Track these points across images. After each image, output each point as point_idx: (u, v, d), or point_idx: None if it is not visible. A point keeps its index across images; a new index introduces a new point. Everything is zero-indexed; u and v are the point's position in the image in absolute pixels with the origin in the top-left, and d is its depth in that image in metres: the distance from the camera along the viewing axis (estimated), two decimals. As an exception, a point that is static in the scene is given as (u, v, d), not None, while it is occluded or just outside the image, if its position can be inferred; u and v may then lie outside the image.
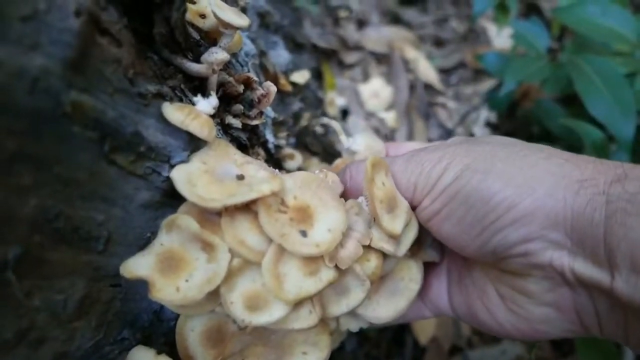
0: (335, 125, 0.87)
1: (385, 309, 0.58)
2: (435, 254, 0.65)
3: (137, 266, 0.47)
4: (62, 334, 0.46)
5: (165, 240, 0.49)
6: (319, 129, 0.99)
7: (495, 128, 1.21)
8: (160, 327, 0.57)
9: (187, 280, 0.46)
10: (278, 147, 0.79)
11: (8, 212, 0.37)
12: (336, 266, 0.51)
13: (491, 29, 1.59)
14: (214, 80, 0.57)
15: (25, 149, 0.37)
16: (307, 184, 0.56)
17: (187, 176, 0.51)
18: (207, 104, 0.52)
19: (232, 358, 0.54)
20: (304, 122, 0.95)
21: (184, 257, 0.48)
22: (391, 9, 1.56)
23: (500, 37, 1.51)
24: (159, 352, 0.53)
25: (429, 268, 0.67)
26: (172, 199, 0.54)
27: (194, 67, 0.53)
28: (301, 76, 0.93)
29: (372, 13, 1.50)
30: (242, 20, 0.54)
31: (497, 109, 1.21)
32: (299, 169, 0.84)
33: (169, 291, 0.45)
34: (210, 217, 0.52)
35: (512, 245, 0.51)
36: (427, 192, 0.55)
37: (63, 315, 0.45)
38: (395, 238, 0.55)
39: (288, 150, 0.80)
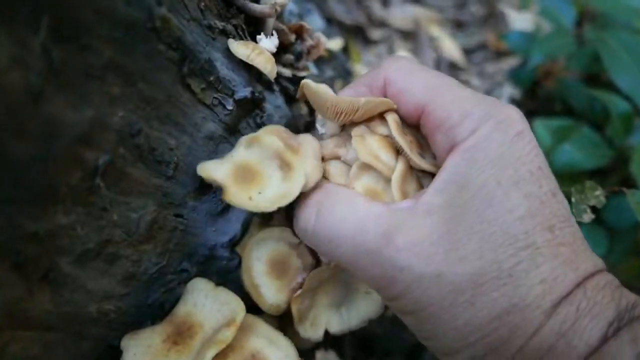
0: None
1: None
2: None
3: (215, 170, 0.49)
4: (132, 254, 0.47)
5: (243, 154, 0.51)
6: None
7: (518, 105, 1.23)
8: (213, 264, 0.59)
9: (259, 193, 0.48)
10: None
11: (101, 118, 0.38)
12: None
13: (510, 13, 1.60)
14: (271, 23, 0.58)
15: (117, 60, 0.38)
16: None
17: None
18: (270, 42, 0.54)
19: (307, 294, 0.55)
20: (337, 88, 0.96)
21: (259, 172, 0.49)
22: (412, -8, 1.58)
23: (520, 21, 1.53)
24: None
25: None
26: (232, 135, 0.55)
27: (256, 7, 0.55)
28: (335, 44, 0.94)
29: (393, -5, 1.52)
30: (302, -36, 0.56)
31: (521, 86, 1.23)
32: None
33: (242, 197, 0.46)
34: (290, 141, 0.54)
35: None
36: None
37: (136, 235, 0.46)
38: None
39: (326, 110, 0.82)
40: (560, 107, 1.22)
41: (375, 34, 1.27)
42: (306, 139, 0.54)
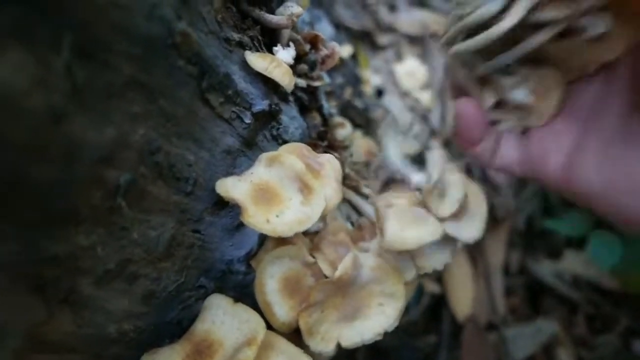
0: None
1: (474, 230, 0.62)
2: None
3: (233, 188, 0.48)
4: (152, 272, 0.46)
5: (263, 173, 0.50)
6: (359, 104, 0.99)
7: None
8: (230, 279, 0.58)
9: (277, 216, 0.47)
10: (330, 115, 0.80)
11: (122, 137, 0.37)
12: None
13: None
14: (286, 34, 0.57)
15: (138, 77, 0.37)
16: None
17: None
18: (287, 54, 0.53)
19: (313, 308, 0.54)
20: (346, 96, 0.96)
21: (278, 193, 0.48)
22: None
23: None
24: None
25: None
26: (249, 148, 0.54)
27: (273, 18, 0.54)
28: (345, 50, 0.94)
29: (399, -1, 1.51)
30: (318, -26, 0.55)
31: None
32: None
33: (259, 220, 0.46)
34: (311, 162, 0.53)
35: None
36: None
37: (155, 253, 0.45)
38: None
39: (338, 119, 0.81)
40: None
41: (383, 39, 1.26)
42: (328, 160, 0.53)
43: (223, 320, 0.52)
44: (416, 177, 1.20)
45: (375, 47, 1.25)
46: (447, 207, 0.64)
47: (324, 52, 0.64)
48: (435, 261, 0.64)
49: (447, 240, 0.65)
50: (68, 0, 0.30)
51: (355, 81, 1.08)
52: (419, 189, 0.67)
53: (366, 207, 0.70)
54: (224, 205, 0.53)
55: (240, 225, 0.57)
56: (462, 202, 0.64)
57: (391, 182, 1.14)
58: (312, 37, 0.62)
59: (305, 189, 0.49)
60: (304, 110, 0.69)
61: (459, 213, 0.62)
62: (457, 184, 0.66)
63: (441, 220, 0.63)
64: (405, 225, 0.59)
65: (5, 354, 0.35)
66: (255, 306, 0.54)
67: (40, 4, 0.29)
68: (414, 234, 0.58)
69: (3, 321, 0.33)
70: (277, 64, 0.50)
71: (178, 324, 0.52)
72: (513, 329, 1.07)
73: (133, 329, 0.47)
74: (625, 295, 1.12)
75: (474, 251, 1.11)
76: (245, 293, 0.59)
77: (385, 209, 0.61)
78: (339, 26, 1.18)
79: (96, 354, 0.44)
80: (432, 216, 0.61)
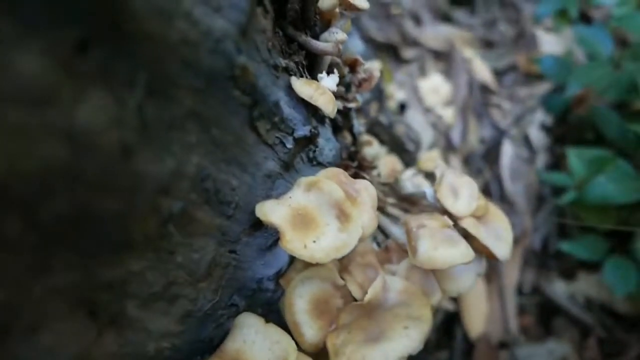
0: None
1: (504, 249, 0.65)
2: None
3: (272, 212, 0.49)
4: (191, 293, 0.47)
5: (301, 198, 0.50)
6: (384, 119, 1.00)
7: (548, 131, 1.22)
8: (260, 296, 0.59)
9: (314, 242, 0.47)
10: (358, 133, 0.80)
11: (180, 167, 0.38)
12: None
13: (540, 35, 1.59)
14: (327, 59, 0.58)
15: (196, 108, 0.38)
16: None
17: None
18: (331, 81, 0.53)
19: (341, 330, 0.55)
20: (372, 112, 0.96)
21: (315, 219, 0.49)
22: (441, 8, 1.57)
23: (550, 44, 1.52)
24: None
25: None
26: (287, 171, 0.55)
27: (319, 45, 0.54)
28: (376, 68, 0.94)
29: (423, 11, 1.51)
30: (364, 3, 0.56)
31: (554, 112, 1.22)
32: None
33: (297, 245, 0.46)
34: (348, 188, 0.53)
35: None
36: None
37: (197, 275, 0.46)
38: None
39: (366, 137, 0.82)
40: (591, 135, 1.21)
41: (408, 52, 1.27)
42: (365, 187, 0.54)
43: (254, 339, 0.52)
44: (429, 191, 1.21)
45: (399, 60, 1.25)
46: (463, 204, 0.66)
47: (361, 75, 0.65)
48: (461, 285, 0.65)
49: (474, 263, 0.66)
50: (145, 40, 0.31)
51: (380, 95, 1.09)
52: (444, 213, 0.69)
53: (393, 228, 0.70)
54: (259, 226, 0.54)
55: (273, 245, 0.57)
56: (478, 201, 0.66)
57: (408, 196, 1.15)
58: (352, 61, 0.63)
59: (342, 215, 0.50)
60: (336, 130, 0.69)
61: (484, 218, 0.63)
62: (467, 183, 0.68)
63: (459, 219, 0.65)
64: (438, 244, 0.61)
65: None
66: (280, 323, 0.55)
67: (123, 45, 0.30)
68: (446, 253, 0.60)
69: (59, 345, 0.34)
70: (322, 91, 0.51)
71: (210, 342, 0.53)
72: (525, 349, 1.08)
73: (170, 347, 0.48)
74: (638, 320, 1.13)
75: (489, 269, 1.11)
76: (271, 310, 0.60)
77: (418, 229, 0.63)
78: (364, 38, 1.18)
79: (135, 371, 0.45)
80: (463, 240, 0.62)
